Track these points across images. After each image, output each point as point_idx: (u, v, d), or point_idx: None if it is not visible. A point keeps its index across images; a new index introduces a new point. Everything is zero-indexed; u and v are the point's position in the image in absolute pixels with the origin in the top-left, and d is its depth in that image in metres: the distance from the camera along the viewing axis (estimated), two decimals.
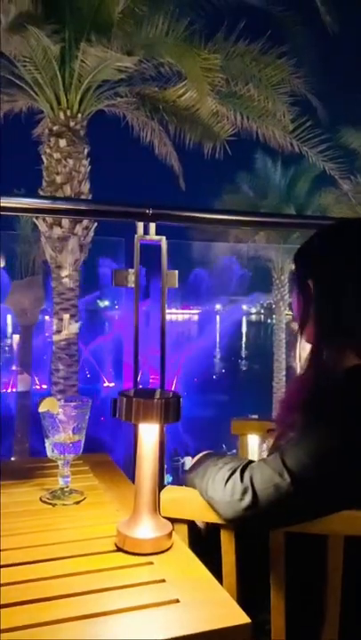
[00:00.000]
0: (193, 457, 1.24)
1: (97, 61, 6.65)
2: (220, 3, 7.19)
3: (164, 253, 1.94)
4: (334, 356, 1.07)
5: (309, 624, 1.02)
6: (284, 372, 14.05)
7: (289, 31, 7.61)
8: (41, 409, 1.11)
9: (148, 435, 0.94)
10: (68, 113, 7.33)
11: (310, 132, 7.52)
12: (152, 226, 1.92)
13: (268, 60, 7.11)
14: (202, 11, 7.15)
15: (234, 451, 1.70)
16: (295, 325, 1.18)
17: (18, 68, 7.09)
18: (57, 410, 1.11)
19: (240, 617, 0.75)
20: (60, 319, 7.20)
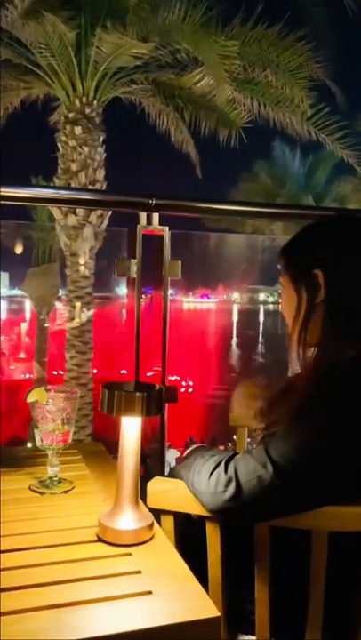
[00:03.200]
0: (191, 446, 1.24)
1: (113, 48, 6.63)
2: None
3: (167, 244, 1.94)
4: (342, 346, 1.05)
5: (294, 616, 1.02)
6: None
7: (307, 13, 7.48)
8: (29, 399, 1.12)
9: (130, 427, 0.95)
10: (84, 100, 7.34)
11: (328, 118, 7.40)
12: (155, 216, 1.92)
13: (287, 45, 7.00)
14: None
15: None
16: (294, 323, 1.13)
17: (34, 54, 7.10)
18: (45, 400, 1.12)
19: (210, 610, 0.76)
20: (73, 307, 7.26)
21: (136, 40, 6.57)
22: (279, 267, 1.21)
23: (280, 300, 1.25)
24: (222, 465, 1.01)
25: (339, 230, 1.15)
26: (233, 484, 0.97)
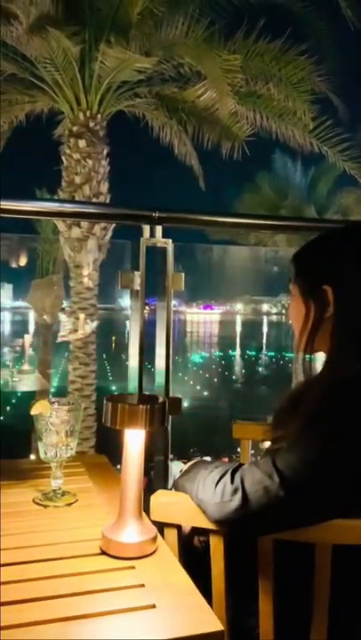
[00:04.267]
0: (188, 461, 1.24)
1: (116, 62, 6.70)
2: (239, 1, 7.15)
3: (170, 256, 1.94)
4: (350, 361, 1.05)
5: (298, 630, 1.02)
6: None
7: (309, 27, 7.55)
8: (33, 412, 1.12)
9: (134, 440, 0.95)
10: (88, 114, 7.40)
11: (330, 131, 7.43)
12: (158, 229, 1.93)
13: (289, 59, 7.05)
14: (222, 10, 7.12)
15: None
16: (301, 335, 1.14)
17: (38, 69, 7.18)
18: (49, 412, 1.13)
19: (214, 624, 0.75)
20: (77, 319, 7.28)
21: (139, 54, 6.63)
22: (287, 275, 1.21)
23: (283, 311, 1.26)
24: (228, 475, 1.01)
25: (350, 243, 1.14)
26: (239, 494, 0.96)
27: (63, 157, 7.53)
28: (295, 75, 7.05)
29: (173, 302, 1.99)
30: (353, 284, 1.09)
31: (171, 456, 1.89)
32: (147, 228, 1.91)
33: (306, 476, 0.94)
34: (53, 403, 1.16)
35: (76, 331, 7.33)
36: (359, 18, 7.34)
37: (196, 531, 1.18)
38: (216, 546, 1.03)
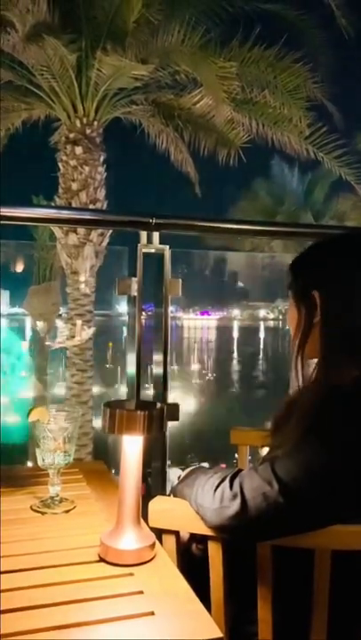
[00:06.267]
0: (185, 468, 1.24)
1: (113, 70, 6.73)
2: (235, 10, 7.21)
3: (167, 262, 1.95)
4: (342, 366, 1.06)
5: (297, 636, 1.01)
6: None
7: (304, 35, 7.61)
8: (31, 418, 1.12)
9: (132, 446, 0.95)
10: (85, 121, 7.43)
11: (326, 137, 7.48)
12: (155, 235, 1.93)
13: (284, 66, 7.10)
14: (217, 18, 7.18)
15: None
16: (294, 340, 1.16)
17: (35, 76, 7.20)
18: (47, 419, 1.12)
19: (213, 631, 0.75)
20: (74, 325, 7.28)
21: (136, 62, 6.67)
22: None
23: (280, 317, 1.27)
24: (227, 480, 1.00)
25: (337, 250, 1.17)
26: (238, 500, 0.96)
27: (60, 164, 7.55)
28: (291, 82, 7.10)
29: (170, 308, 2.00)
30: (337, 289, 1.11)
31: (168, 462, 1.89)
32: (144, 235, 1.92)
33: (305, 482, 0.94)
34: (51, 409, 1.16)
35: (73, 337, 7.33)
36: (353, 26, 7.41)
37: (195, 537, 1.17)
38: (215, 552, 1.03)
